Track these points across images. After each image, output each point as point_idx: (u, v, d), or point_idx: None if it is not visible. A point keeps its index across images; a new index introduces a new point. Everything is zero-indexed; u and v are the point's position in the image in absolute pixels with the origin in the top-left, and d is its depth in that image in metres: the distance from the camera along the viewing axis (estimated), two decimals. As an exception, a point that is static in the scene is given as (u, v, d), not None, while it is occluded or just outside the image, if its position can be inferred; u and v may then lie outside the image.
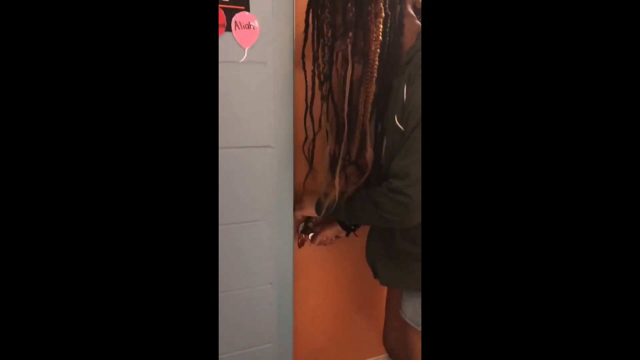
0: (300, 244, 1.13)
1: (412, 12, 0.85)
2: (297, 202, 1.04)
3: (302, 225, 1.12)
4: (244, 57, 0.86)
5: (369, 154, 0.87)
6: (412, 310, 0.95)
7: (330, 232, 1.08)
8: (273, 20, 0.87)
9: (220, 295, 0.98)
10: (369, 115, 0.84)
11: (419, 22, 0.85)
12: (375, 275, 1.05)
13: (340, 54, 0.86)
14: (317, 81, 0.89)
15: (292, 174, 0.99)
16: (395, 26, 0.80)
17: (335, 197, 0.91)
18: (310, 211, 1.01)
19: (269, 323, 1.07)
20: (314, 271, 1.22)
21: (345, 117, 0.86)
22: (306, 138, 0.97)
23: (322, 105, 0.90)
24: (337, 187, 0.89)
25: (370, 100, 0.82)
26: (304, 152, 0.98)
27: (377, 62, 0.80)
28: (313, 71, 0.89)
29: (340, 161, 0.89)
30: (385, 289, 1.20)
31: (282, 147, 0.95)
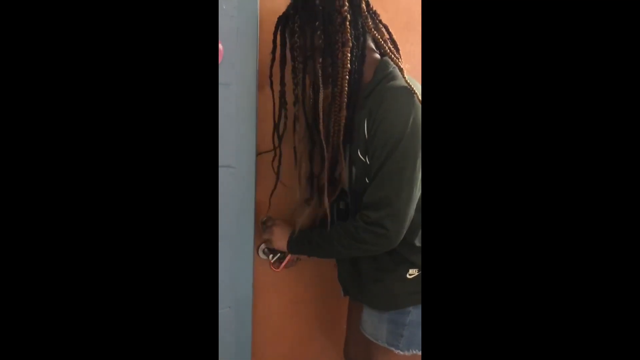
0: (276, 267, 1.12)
1: (372, 45, 0.89)
2: (266, 227, 1.05)
3: (264, 247, 1.11)
4: (207, 78, 0.86)
5: (342, 169, 0.92)
6: (372, 326, 0.99)
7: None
8: (237, 44, 0.88)
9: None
10: (341, 138, 0.88)
11: (377, 56, 0.90)
12: (346, 292, 1.08)
13: (308, 77, 0.89)
14: (283, 101, 0.91)
15: (254, 194, 0.98)
16: (359, 56, 0.85)
17: (312, 214, 0.95)
18: (280, 242, 1.01)
19: (226, 347, 1.04)
20: (274, 293, 1.20)
21: (323, 139, 0.89)
22: (274, 155, 0.98)
23: (294, 125, 0.93)
24: (326, 201, 0.91)
25: (342, 123, 0.86)
26: (273, 167, 0.99)
27: (346, 88, 0.83)
28: (280, 92, 0.91)
29: (315, 179, 0.94)
30: (345, 308, 1.21)
31: (244, 167, 0.95)
